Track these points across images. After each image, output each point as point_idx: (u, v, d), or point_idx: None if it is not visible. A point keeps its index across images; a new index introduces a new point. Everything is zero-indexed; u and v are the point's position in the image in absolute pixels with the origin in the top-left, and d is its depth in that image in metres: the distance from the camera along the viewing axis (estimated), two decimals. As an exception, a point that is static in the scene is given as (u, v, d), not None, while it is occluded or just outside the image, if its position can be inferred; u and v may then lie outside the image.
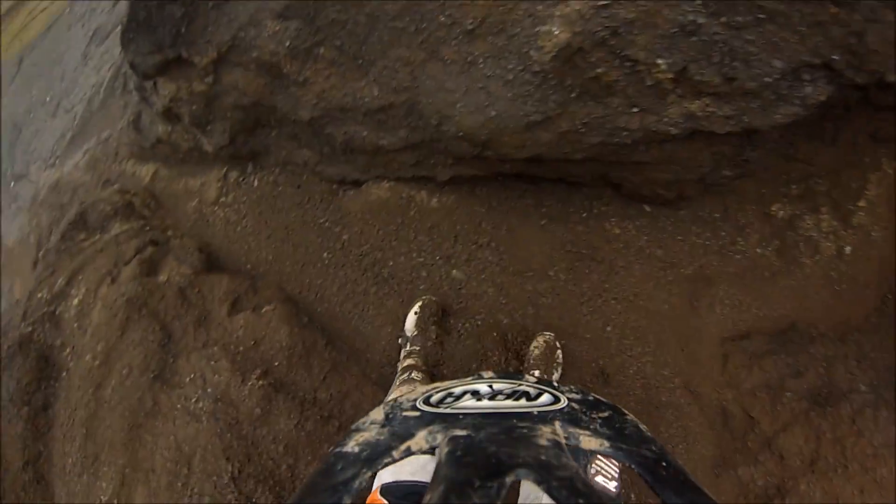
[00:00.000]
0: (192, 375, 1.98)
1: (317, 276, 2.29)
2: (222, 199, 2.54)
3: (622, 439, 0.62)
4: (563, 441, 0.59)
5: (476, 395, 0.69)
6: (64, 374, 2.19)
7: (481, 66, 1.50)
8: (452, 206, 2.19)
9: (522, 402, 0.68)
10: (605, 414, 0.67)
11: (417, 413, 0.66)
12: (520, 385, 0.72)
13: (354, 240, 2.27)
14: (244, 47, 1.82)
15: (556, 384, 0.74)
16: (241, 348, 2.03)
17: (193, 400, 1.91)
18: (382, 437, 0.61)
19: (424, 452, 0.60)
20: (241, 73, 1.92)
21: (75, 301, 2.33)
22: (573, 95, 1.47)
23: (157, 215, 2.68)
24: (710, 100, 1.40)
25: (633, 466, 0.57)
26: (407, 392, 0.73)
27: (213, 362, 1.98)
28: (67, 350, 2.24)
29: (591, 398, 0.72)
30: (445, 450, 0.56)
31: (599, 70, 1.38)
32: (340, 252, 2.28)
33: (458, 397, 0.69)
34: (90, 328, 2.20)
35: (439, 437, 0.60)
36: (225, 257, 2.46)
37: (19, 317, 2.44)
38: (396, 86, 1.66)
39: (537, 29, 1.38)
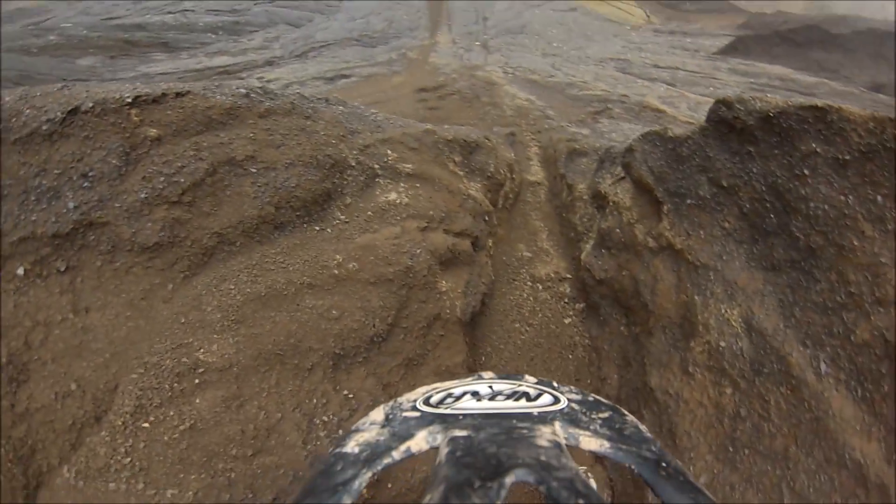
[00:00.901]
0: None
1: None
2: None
3: (622, 440, 0.66)
4: (563, 441, 0.64)
5: (476, 395, 0.75)
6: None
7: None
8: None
9: (522, 402, 0.74)
10: (605, 414, 0.73)
11: (417, 413, 0.72)
12: (520, 386, 0.79)
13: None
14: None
15: (555, 385, 0.81)
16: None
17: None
18: (382, 438, 0.66)
19: (424, 453, 0.65)
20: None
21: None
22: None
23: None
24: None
25: (632, 467, 0.61)
26: (407, 392, 0.79)
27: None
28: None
29: (590, 399, 0.78)
30: (445, 450, 0.60)
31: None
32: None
33: (458, 398, 0.74)
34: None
35: (439, 437, 0.65)
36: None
37: None
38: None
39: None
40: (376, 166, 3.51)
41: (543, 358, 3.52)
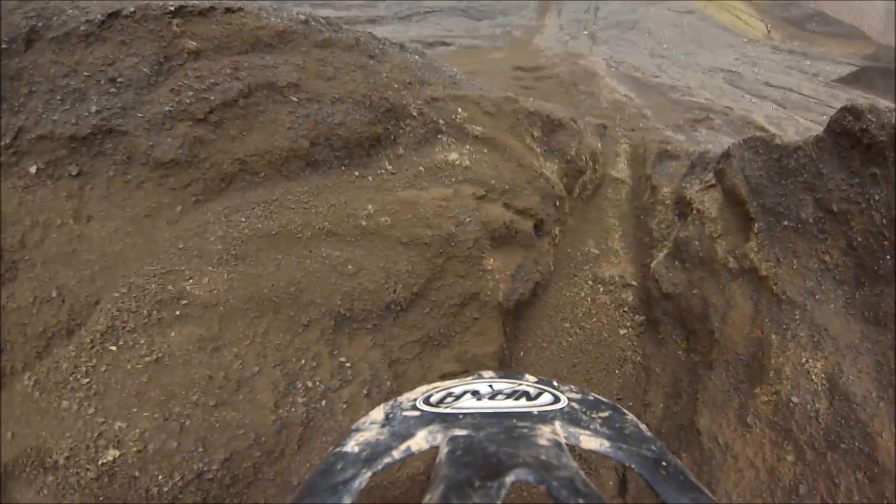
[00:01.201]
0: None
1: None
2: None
3: (622, 439, 0.67)
4: (563, 441, 0.64)
5: (476, 394, 0.76)
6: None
7: None
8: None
9: (522, 401, 0.74)
10: (605, 414, 0.74)
11: (417, 413, 0.73)
12: (520, 385, 0.79)
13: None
14: None
15: (555, 384, 0.82)
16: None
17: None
18: (382, 437, 0.67)
19: (424, 452, 0.65)
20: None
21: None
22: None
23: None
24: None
25: (633, 466, 0.62)
26: (407, 392, 0.81)
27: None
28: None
29: (591, 398, 0.78)
30: (445, 449, 0.61)
31: None
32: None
33: (458, 397, 0.75)
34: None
35: (439, 436, 0.66)
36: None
37: None
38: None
39: None
40: (441, 121, 3.20)
41: (587, 367, 3.19)
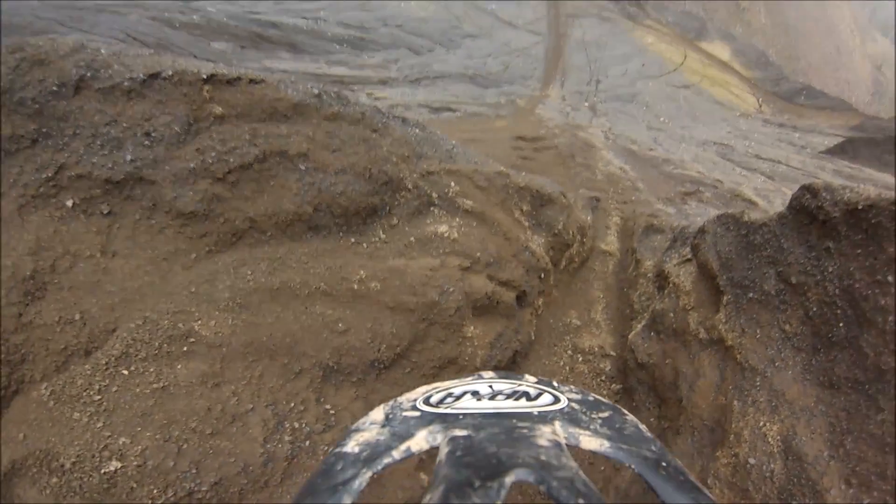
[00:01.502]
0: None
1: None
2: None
3: (622, 439, 0.71)
4: (563, 441, 0.68)
5: (476, 395, 0.82)
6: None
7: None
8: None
9: (522, 402, 0.80)
10: (605, 414, 0.79)
11: (417, 413, 0.78)
12: (520, 385, 0.86)
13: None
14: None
15: (555, 384, 0.88)
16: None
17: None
18: (382, 437, 0.72)
19: (424, 452, 0.70)
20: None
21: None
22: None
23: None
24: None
25: (632, 466, 0.65)
26: (407, 392, 0.86)
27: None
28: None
29: (591, 398, 0.84)
30: (445, 450, 0.65)
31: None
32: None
33: (459, 397, 0.81)
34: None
35: (439, 437, 0.70)
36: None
37: None
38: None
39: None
40: (434, 195, 3.75)
41: (563, 433, 3.49)
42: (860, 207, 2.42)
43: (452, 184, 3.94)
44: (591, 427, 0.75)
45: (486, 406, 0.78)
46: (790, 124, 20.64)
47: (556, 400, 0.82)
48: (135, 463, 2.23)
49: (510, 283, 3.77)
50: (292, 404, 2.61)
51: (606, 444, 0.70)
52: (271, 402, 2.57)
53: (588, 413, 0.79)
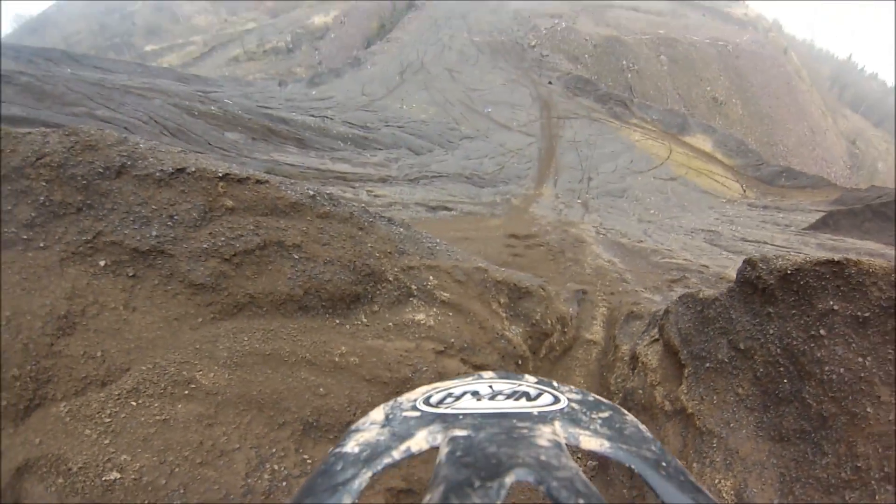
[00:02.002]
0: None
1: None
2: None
3: (622, 439, 0.79)
4: (563, 441, 0.77)
5: (476, 395, 0.90)
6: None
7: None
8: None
9: (522, 402, 0.89)
10: (605, 414, 0.87)
11: (417, 413, 0.87)
12: (520, 385, 0.95)
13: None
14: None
15: (555, 384, 0.96)
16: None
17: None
18: (382, 437, 0.81)
19: (424, 452, 0.78)
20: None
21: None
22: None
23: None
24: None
25: (632, 466, 0.73)
26: (407, 392, 0.93)
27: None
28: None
29: (591, 398, 0.92)
30: (445, 450, 0.73)
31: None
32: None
33: (459, 397, 0.90)
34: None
35: (439, 437, 0.79)
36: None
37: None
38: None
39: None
40: (413, 287, 4.55)
41: (537, 508, 3.90)
42: (789, 272, 2.98)
43: (431, 277, 4.80)
44: (591, 427, 0.82)
45: (486, 406, 0.87)
46: (773, 205, 23.48)
47: (556, 400, 0.90)
48: (132, 476, 2.82)
49: (484, 367, 4.46)
50: (274, 450, 3.33)
51: (606, 444, 0.78)
52: (256, 445, 3.29)
53: (588, 413, 0.86)
